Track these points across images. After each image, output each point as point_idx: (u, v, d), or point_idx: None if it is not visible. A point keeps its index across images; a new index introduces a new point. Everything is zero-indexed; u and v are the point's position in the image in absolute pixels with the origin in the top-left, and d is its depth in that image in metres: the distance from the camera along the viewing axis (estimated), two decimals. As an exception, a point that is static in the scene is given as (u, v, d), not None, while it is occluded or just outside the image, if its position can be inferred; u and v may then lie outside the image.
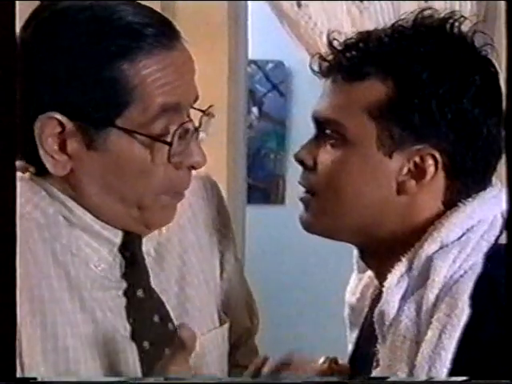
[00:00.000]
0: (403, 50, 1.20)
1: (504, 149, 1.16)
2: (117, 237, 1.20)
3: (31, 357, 1.13)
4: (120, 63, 1.11)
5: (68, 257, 1.18)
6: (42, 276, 1.15)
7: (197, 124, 1.18)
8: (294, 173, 4.74)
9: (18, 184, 1.19)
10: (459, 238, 1.18)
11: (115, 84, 1.11)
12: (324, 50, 3.03)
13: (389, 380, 1.15)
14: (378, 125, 1.19)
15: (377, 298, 1.32)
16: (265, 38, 3.78)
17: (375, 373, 1.20)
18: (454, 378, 1.11)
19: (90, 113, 1.12)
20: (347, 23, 2.87)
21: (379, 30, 1.23)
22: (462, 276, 1.15)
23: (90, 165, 1.14)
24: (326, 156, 1.23)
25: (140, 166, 1.14)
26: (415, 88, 1.18)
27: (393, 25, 1.23)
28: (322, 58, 1.25)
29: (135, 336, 1.19)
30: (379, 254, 1.23)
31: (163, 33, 1.14)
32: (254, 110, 4.39)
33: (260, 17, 3.09)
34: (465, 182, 1.21)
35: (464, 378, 1.10)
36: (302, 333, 4.24)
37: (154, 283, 1.23)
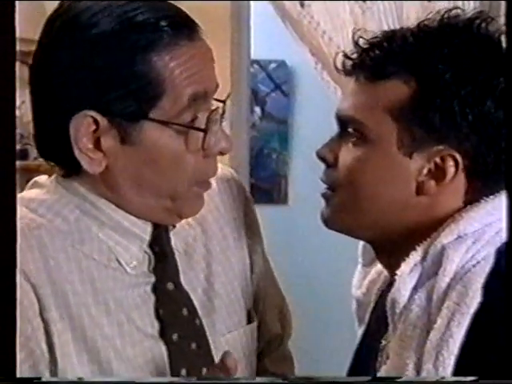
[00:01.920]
0: (427, 49, 1.19)
1: (504, 148, 1.16)
2: (146, 233, 1.21)
3: (65, 359, 1.15)
4: (150, 56, 1.12)
5: (92, 261, 1.18)
6: (66, 283, 1.16)
7: (220, 111, 1.20)
8: (296, 173, 4.75)
9: (41, 191, 1.21)
10: (475, 231, 1.17)
11: (147, 77, 1.12)
12: (326, 49, 3.02)
13: (396, 380, 1.15)
14: (400, 125, 1.19)
15: (383, 292, 1.31)
16: (267, 38, 3.78)
17: (385, 365, 1.20)
18: (461, 378, 1.11)
19: (123, 107, 1.13)
20: (350, 23, 2.87)
21: (404, 30, 1.23)
22: (474, 266, 1.15)
23: (125, 160, 1.16)
24: (347, 154, 1.23)
25: (174, 155, 1.16)
26: (437, 88, 1.17)
27: (418, 24, 1.22)
28: (346, 56, 1.25)
29: (164, 329, 1.20)
30: (394, 249, 1.23)
31: (185, 24, 1.16)
32: (257, 109, 4.39)
33: (263, 16, 3.09)
34: (486, 183, 1.20)
35: (472, 378, 1.10)
36: (305, 331, 4.24)
37: (183, 280, 1.24)
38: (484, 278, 1.14)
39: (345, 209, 1.24)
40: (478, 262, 1.15)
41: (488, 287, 1.13)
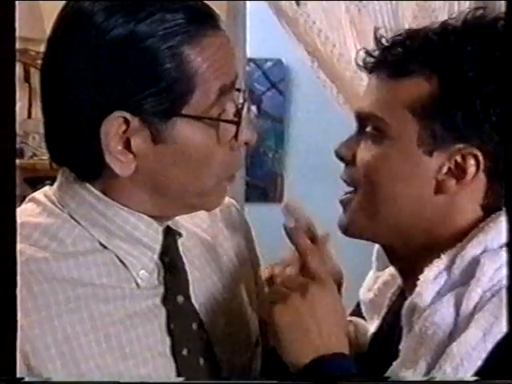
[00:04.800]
0: (450, 47, 1.18)
1: (504, 154, 1.15)
2: (157, 243, 1.18)
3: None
4: (180, 52, 1.09)
5: (93, 282, 1.14)
6: (59, 313, 1.12)
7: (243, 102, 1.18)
8: (292, 171, 4.73)
9: (35, 208, 1.18)
10: (502, 246, 1.14)
11: (178, 73, 1.09)
12: (322, 48, 3.02)
13: (390, 380, 1.15)
14: (420, 122, 1.17)
15: (398, 298, 1.30)
16: (263, 37, 3.78)
17: (394, 364, 1.17)
18: (461, 378, 1.10)
19: (155, 105, 1.09)
20: (345, 21, 2.88)
21: (427, 28, 1.22)
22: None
23: (155, 159, 1.12)
24: (366, 151, 1.22)
25: (206, 150, 1.13)
26: (460, 86, 1.16)
27: (442, 23, 1.21)
28: (368, 54, 1.24)
29: (175, 344, 1.17)
30: (411, 254, 1.21)
31: (208, 14, 1.14)
32: (253, 108, 4.39)
33: (258, 15, 3.10)
34: None
35: (474, 378, 1.09)
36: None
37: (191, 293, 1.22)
38: None
39: (364, 211, 1.22)
40: None
41: None
